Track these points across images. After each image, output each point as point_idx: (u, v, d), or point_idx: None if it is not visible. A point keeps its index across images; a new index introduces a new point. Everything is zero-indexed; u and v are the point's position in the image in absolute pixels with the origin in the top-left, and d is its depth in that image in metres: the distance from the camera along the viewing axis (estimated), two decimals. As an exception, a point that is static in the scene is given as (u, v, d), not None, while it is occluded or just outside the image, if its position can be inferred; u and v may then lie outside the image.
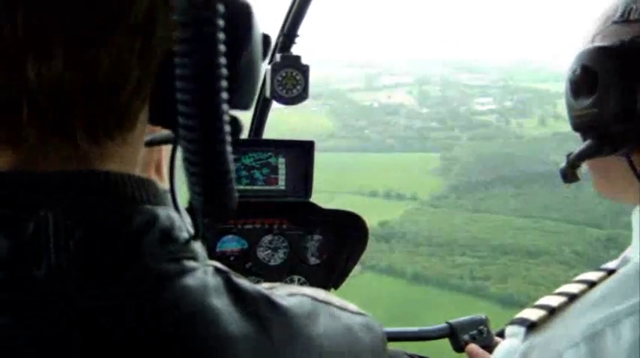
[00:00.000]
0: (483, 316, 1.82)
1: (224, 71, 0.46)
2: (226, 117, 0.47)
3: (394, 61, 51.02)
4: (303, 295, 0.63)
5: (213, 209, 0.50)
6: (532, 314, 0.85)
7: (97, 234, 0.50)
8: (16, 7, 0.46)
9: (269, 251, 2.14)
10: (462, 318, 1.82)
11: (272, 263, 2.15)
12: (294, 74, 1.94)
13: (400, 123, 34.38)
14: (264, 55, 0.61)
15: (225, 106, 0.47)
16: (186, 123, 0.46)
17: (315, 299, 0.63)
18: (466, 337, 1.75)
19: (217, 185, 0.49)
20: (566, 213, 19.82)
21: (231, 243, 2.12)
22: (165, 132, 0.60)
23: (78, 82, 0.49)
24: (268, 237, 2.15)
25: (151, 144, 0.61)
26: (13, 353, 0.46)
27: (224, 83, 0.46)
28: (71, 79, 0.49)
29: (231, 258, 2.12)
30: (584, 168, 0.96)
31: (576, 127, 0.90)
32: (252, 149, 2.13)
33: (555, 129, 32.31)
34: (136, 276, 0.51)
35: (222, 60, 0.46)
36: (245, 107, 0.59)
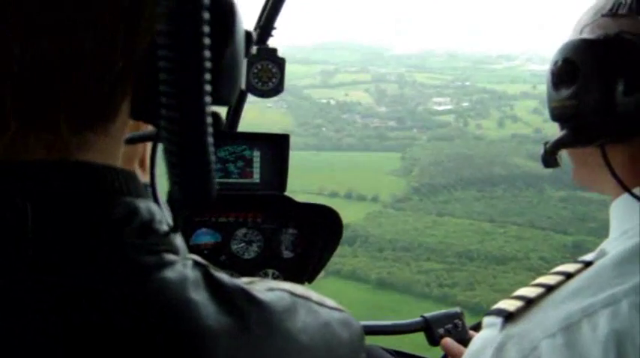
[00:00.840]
0: (458, 310, 1.79)
1: (208, 64, 0.47)
2: (209, 110, 0.48)
3: (350, 58, 50.52)
4: (282, 290, 0.61)
5: (194, 199, 0.50)
6: (509, 304, 0.85)
7: (76, 225, 0.50)
8: None
9: (243, 244, 2.10)
10: (436, 312, 1.78)
11: (246, 256, 2.10)
12: (270, 67, 1.92)
13: (358, 122, 33.95)
14: (247, 52, 0.61)
15: (208, 99, 0.48)
16: (169, 114, 0.47)
17: (293, 294, 0.62)
18: (441, 331, 1.73)
19: (199, 175, 0.49)
20: (530, 217, 19.51)
21: (205, 237, 2.08)
22: (146, 130, 0.60)
23: (62, 70, 0.49)
24: (242, 231, 2.09)
25: (131, 141, 0.60)
26: None
27: (208, 76, 0.47)
28: (55, 68, 0.48)
29: (205, 252, 2.06)
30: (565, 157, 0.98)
31: (555, 117, 0.90)
32: (227, 142, 2.10)
33: (514, 131, 32.51)
34: (117, 265, 0.50)
35: (207, 53, 0.47)
36: (227, 102, 0.59)
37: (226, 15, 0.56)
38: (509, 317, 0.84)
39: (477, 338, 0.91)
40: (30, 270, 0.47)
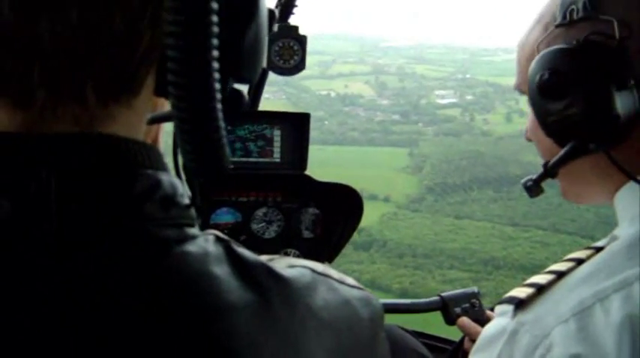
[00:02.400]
0: (475, 289, 1.76)
1: (215, 39, 0.46)
2: (216, 84, 0.47)
3: (347, 49, 49.34)
4: (303, 267, 0.62)
5: (208, 169, 0.50)
6: (521, 292, 0.84)
7: (99, 197, 0.50)
8: None
9: (263, 224, 2.09)
10: (453, 291, 1.76)
11: (266, 236, 2.08)
12: (291, 44, 1.84)
13: (361, 115, 32.89)
14: (269, 30, 0.62)
15: (215, 72, 0.47)
16: (176, 90, 0.47)
17: (314, 271, 0.63)
18: (458, 310, 1.70)
19: (210, 147, 0.49)
20: (553, 220, 18.56)
21: (225, 216, 2.05)
22: (167, 110, 0.60)
23: (91, 41, 0.49)
24: (262, 210, 2.08)
25: (153, 121, 0.60)
26: (12, 314, 0.47)
27: (215, 51, 0.47)
28: (84, 39, 0.49)
29: (225, 231, 1.97)
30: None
31: (553, 132, 0.87)
32: (247, 121, 2.05)
33: (522, 126, 31.38)
34: (136, 241, 0.51)
35: (215, 28, 0.46)
36: (249, 80, 0.59)
37: None
38: (520, 304, 0.83)
39: (489, 327, 0.90)
40: (52, 242, 0.47)
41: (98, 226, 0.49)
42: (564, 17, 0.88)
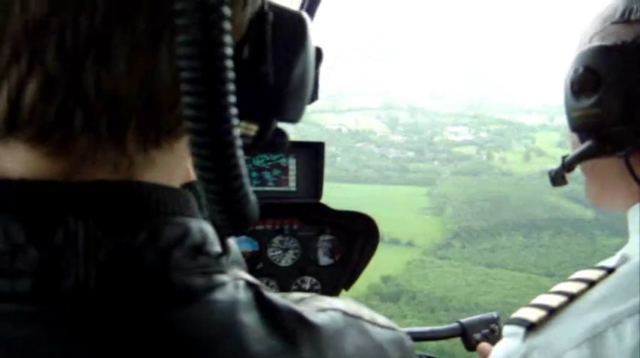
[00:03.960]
0: (495, 314, 1.79)
1: (231, 74, 0.44)
2: (235, 121, 0.44)
3: (357, 83, 48.78)
4: (335, 310, 0.61)
5: (234, 220, 0.48)
6: (531, 314, 0.84)
7: (126, 247, 0.49)
8: (80, 9, 0.46)
9: (280, 251, 2.08)
10: (473, 317, 1.79)
11: (283, 263, 2.07)
12: None
13: (374, 152, 31.99)
14: (316, 69, 0.61)
15: (232, 114, 0.44)
16: (191, 126, 0.44)
17: (345, 314, 0.62)
18: (478, 336, 1.73)
19: (232, 195, 0.46)
20: (590, 270, 17.29)
21: (242, 245, 2.02)
22: None
23: (136, 92, 0.48)
24: (279, 238, 2.08)
25: None
26: None
27: (231, 86, 0.44)
28: (129, 89, 0.48)
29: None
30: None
31: (576, 128, 0.89)
32: (263, 150, 1.26)
33: (542, 167, 30.67)
34: (163, 291, 0.50)
35: (229, 63, 0.43)
36: (295, 120, 0.58)
37: (297, 31, 0.54)
38: (531, 327, 0.82)
39: (499, 348, 0.88)
40: (77, 294, 0.47)
41: (124, 276, 0.48)
42: (622, 15, 0.85)
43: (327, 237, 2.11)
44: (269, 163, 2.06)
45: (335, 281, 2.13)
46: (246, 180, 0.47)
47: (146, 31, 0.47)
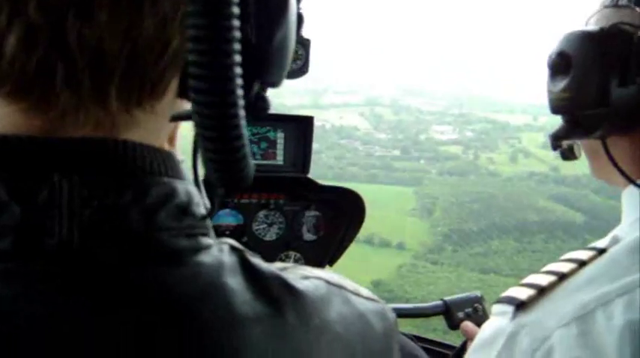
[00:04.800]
0: (478, 294, 1.78)
1: (237, 33, 0.44)
2: (239, 81, 0.45)
3: (339, 78, 48.04)
4: (318, 278, 0.61)
5: (231, 179, 0.48)
6: (521, 292, 0.84)
7: (112, 205, 0.49)
8: None
9: (264, 226, 2.05)
10: (457, 296, 1.77)
11: (267, 238, 2.05)
12: (295, 48, 1.08)
13: (359, 149, 31.29)
14: (298, 32, 0.60)
15: (236, 74, 0.44)
16: (198, 95, 0.44)
17: (329, 282, 0.62)
18: (461, 314, 1.71)
19: (233, 155, 0.46)
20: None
21: (227, 218, 2.01)
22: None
23: (119, 46, 0.47)
24: (264, 212, 2.05)
25: (176, 119, 0.58)
26: (23, 324, 0.45)
27: (237, 45, 0.44)
28: (112, 44, 0.47)
29: (227, 233, 2.00)
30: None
31: (551, 110, 0.91)
32: (250, 123, 1.50)
33: (529, 168, 30.20)
34: (148, 250, 0.50)
35: (237, 32, 0.43)
36: (275, 85, 0.58)
37: None
38: (521, 305, 0.83)
39: (488, 326, 0.88)
40: (59, 250, 0.46)
41: (108, 236, 0.48)
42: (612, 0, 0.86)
43: (313, 213, 2.09)
44: (257, 136, 2.03)
45: (319, 257, 2.11)
46: (247, 142, 0.46)
47: None
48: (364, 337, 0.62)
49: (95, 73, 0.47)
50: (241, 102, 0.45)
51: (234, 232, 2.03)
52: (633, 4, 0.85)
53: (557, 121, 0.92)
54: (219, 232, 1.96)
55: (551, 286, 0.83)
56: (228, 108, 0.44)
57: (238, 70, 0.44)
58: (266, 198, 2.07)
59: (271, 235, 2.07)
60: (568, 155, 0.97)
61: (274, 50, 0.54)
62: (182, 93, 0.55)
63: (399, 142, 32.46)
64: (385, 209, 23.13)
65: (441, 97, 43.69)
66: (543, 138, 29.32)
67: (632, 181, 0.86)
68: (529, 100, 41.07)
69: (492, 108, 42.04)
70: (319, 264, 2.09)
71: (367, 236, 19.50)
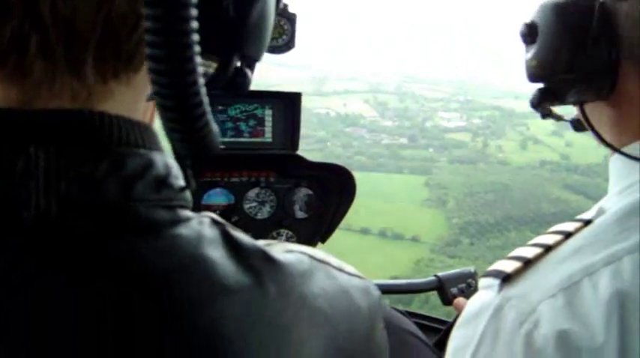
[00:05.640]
0: (472, 269, 1.77)
1: (193, 12, 0.43)
2: (196, 49, 0.44)
3: (339, 65, 47.26)
4: (301, 253, 0.61)
5: (194, 148, 0.48)
6: (507, 265, 0.84)
7: (89, 176, 0.48)
8: None
9: (256, 204, 2.03)
10: (450, 271, 1.77)
11: (259, 216, 2.01)
12: (281, 23, 1.80)
13: (365, 137, 30.68)
14: (277, 5, 0.61)
15: (193, 41, 0.44)
16: (155, 66, 0.44)
17: (312, 257, 0.61)
18: (454, 290, 1.71)
19: (192, 121, 0.46)
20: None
21: (217, 197, 2.00)
22: None
23: (93, 17, 0.48)
24: (255, 191, 2.01)
25: (152, 99, 0.57)
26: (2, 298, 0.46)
27: (193, 11, 0.43)
28: (86, 14, 0.47)
29: (218, 212, 1.96)
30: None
31: (527, 78, 0.92)
32: (238, 100, 2.02)
33: (541, 156, 29.65)
34: (126, 221, 0.49)
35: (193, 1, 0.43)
36: (255, 57, 0.58)
37: None
38: (506, 278, 0.83)
39: (474, 300, 0.88)
40: (36, 222, 0.46)
41: (85, 206, 0.47)
42: None
43: (304, 190, 2.05)
44: (244, 114, 2.00)
45: (311, 235, 2.09)
46: (208, 109, 0.46)
47: None
48: (347, 312, 0.62)
49: (69, 44, 0.47)
50: (200, 69, 0.44)
51: (226, 212, 2.00)
52: None
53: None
54: (210, 212, 2.02)
55: (537, 258, 0.82)
56: (186, 76, 0.43)
57: (196, 37, 0.43)
58: (256, 176, 2.04)
59: (263, 214, 2.03)
60: (577, 125, 0.97)
61: (253, 23, 0.54)
62: None
63: (406, 130, 31.88)
64: (395, 200, 22.61)
65: (445, 83, 42.97)
66: (552, 125, 28.79)
67: (615, 149, 0.86)
68: (534, 86, 40.45)
69: (496, 94, 41.35)
70: (311, 241, 2.06)
71: (380, 229, 19.02)
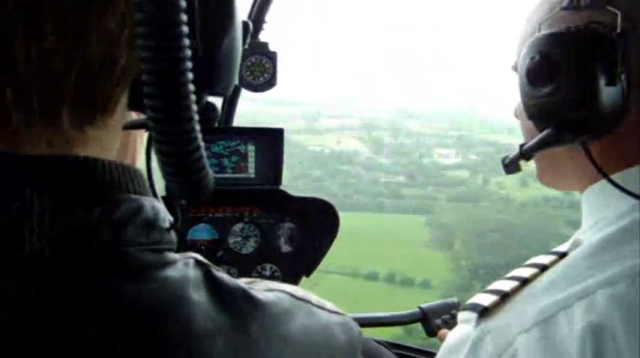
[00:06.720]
0: (455, 300, 1.80)
1: (188, 52, 0.45)
2: (193, 97, 0.47)
3: (330, 101, 46.91)
4: (282, 291, 0.62)
5: (190, 191, 0.50)
6: (484, 299, 0.84)
7: (80, 221, 0.50)
8: None
9: (240, 239, 2.07)
10: (434, 302, 1.81)
11: (243, 251, 2.08)
12: (262, 61, 1.91)
13: (362, 175, 30.09)
14: (244, 42, 0.62)
15: (189, 86, 0.46)
16: (152, 105, 0.46)
17: (293, 296, 0.63)
18: (438, 321, 1.75)
19: (190, 165, 0.48)
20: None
21: (202, 233, 2.06)
22: (143, 117, 0.59)
23: (67, 66, 0.49)
24: (239, 226, 2.08)
25: (128, 128, 0.60)
26: None
27: (189, 63, 0.45)
28: (60, 64, 0.49)
29: (202, 248, 2.04)
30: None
31: (534, 116, 0.90)
32: (221, 137, 2.10)
33: (542, 192, 29.32)
34: (116, 265, 0.51)
35: (186, 40, 0.45)
36: (223, 93, 0.59)
37: (222, 6, 0.55)
38: (484, 312, 0.82)
39: (452, 334, 0.87)
40: (29, 264, 0.47)
41: (77, 249, 0.48)
42: (571, 1, 0.86)
43: (287, 224, 2.14)
44: (227, 150, 2.06)
45: (295, 269, 2.13)
46: (204, 153, 0.48)
47: (73, 6, 0.47)
48: (328, 349, 0.62)
49: (45, 93, 0.48)
50: (196, 116, 0.46)
51: (210, 247, 2.06)
52: (599, 4, 0.82)
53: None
54: (195, 247, 1.96)
55: (514, 291, 0.82)
56: (186, 123, 0.45)
57: (191, 87, 0.45)
58: (240, 212, 2.13)
59: (247, 248, 2.12)
60: (513, 168, 0.95)
61: (221, 60, 0.55)
62: (132, 106, 0.56)
63: (404, 167, 31.30)
64: (398, 242, 21.85)
65: (438, 119, 42.67)
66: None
67: (604, 175, 0.84)
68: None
69: (490, 129, 41.14)
70: (296, 275, 2.12)
71: (388, 274, 18.21)
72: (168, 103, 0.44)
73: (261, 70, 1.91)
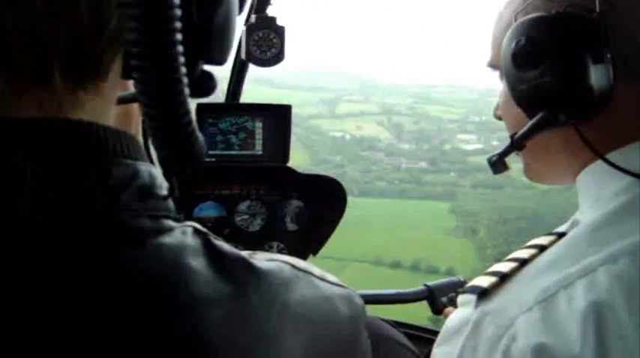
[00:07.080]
0: (462, 278, 1.78)
1: (177, 12, 0.45)
2: (181, 60, 0.46)
3: (347, 86, 46.69)
4: (284, 262, 0.61)
5: (180, 157, 0.49)
6: (483, 281, 0.84)
7: (74, 186, 0.49)
8: None
9: (247, 217, 2.05)
10: (440, 281, 1.78)
11: (250, 229, 2.05)
12: (270, 36, 1.86)
13: (384, 161, 29.98)
14: (240, 10, 0.61)
15: (178, 51, 0.45)
16: (140, 75, 0.46)
17: (294, 267, 0.62)
18: (444, 299, 1.73)
19: (180, 129, 0.47)
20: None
21: (208, 210, 2.02)
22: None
23: (56, 27, 0.48)
24: (246, 203, 2.06)
25: (123, 101, 0.59)
26: None
27: (177, 24, 0.45)
28: (49, 24, 0.48)
29: (209, 225, 2.01)
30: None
31: (523, 101, 0.89)
32: (229, 113, 2.06)
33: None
34: (110, 230, 0.50)
35: (177, 10, 0.45)
36: (220, 62, 0.59)
37: None
38: (483, 293, 0.82)
39: (453, 317, 0.86)
40: (23, 230, 0.46)
41: (72, 214, 0.47)
42: None
43: (295, 203, 2.09)
44: (234, 126, 2.01)
45: (302, 247, 2.08)
46: (193, 117, 0.47)
47: None
48: (328, 319, 0.61)
49: (35, 56, 0.47)
50: (185, 79, 0.45)
51: (217, 224, 2.02)
52: None
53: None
54: (202, 225, 1.71)
55: (513, 272, 0.82)
56: (174, 86, 0.44)
57: (180, 48, 0.44)
58: (247, 189, 2.08)
59: (254, 226, 2.07)
60: (501, 167, 0.92)
61: (217, 28, 0.54)
62: (126, 74, 0.55)
63: (425, 153, 31.11)
64: (421, 228, 21.77)
65: (452, 103, 42.31)
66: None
67: (599, 155, 0.83)
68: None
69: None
70: (302, 253, 2.05)
71: (413, 261, 18.16)
72: (153, 64, 0.43)
73: (269, 45, 1.87)
